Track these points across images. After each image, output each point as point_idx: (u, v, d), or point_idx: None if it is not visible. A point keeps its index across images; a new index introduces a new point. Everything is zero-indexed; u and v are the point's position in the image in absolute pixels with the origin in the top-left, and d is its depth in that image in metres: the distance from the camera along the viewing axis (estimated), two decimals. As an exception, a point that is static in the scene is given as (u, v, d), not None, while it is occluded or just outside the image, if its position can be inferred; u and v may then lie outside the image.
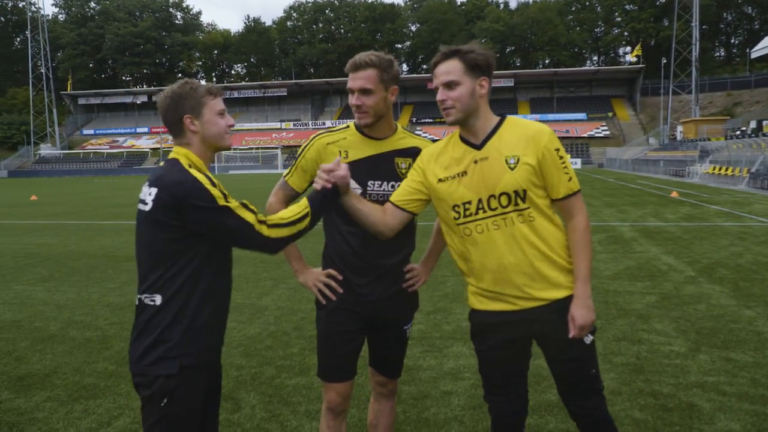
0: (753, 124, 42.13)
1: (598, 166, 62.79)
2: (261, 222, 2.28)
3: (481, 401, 4.14)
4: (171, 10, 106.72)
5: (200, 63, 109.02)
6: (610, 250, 10.29)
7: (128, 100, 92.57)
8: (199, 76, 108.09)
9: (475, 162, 2.47)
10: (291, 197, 2.84)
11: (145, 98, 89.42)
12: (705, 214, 15.80)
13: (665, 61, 64.97)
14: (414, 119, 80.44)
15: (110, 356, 5.27)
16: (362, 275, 2.75)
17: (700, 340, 5.38)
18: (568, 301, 2.47)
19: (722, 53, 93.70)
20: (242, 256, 10.21)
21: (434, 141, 2.79)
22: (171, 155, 2.34)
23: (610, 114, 78.06)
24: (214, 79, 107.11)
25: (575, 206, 2.48)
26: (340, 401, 2.81)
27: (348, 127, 2.81)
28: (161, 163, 2.32)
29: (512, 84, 79.67)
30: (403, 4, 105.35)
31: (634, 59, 72.59)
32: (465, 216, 2.48)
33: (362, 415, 3.93)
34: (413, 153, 2.76)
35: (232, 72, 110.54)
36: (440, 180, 2.52)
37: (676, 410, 3.95)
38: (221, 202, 2.18)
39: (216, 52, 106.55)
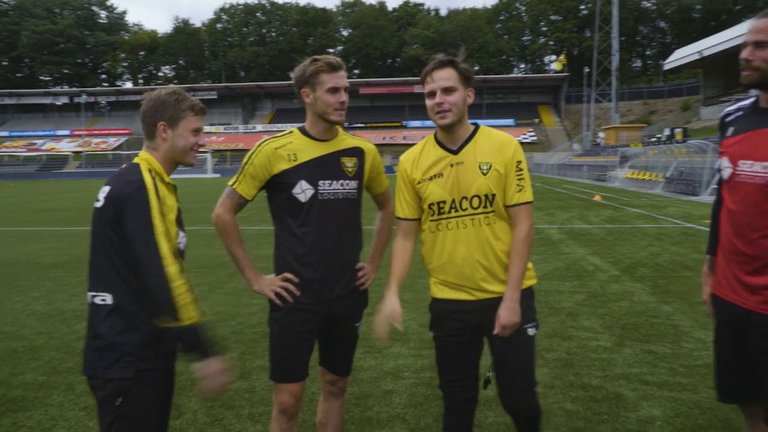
0: (667, 132, 44.48)
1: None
2: (172, 265, 2.17)
3: (423, 399, 4.26)
4: (94, 8, 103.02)
5: (126, 64, 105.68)
6: (540, 251, 10.67)
7: (47, 101, 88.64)
8: (124, 78, 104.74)
9: (451, 165, 2.66)
10: (240, 205, 2.85)
11: (66, 99, 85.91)
12: (626, 216, 16.58)
13: (587, 70, 67.68)
14: (347, 124, 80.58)
15: (38, 367, 5.09)
16: (319, 274, 2.80)
17: (624, 335, 5.69)
18: None
19: (639, 64, 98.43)
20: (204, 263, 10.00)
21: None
22: (135, 159, 2.39)
23: (537, 120, 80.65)
24: (141, 81, 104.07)
25: (521, 215, 2.66)
26: (293, 402, 2.85)
27: (292, 132, 2.87)
28: (124, 165, 2.36)
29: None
30: (335, 9, 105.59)
31: (560, 68, 75.17)
32: (439, 214, 2.68)
33: (306, 416, 3.96)
34: (357, 152, 2.91)
35: (160, 74, 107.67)
36: (418, 182, 2.71)
37: (604, 401, 4.18)
38: (151, 217, 2.16)
39: (143, 53, 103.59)
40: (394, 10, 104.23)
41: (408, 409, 4.12)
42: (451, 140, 2.70)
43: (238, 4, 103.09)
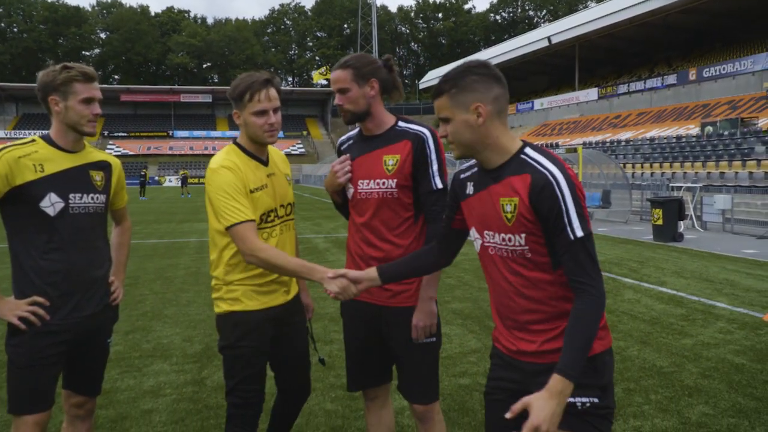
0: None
1: (295, 183, 65.78)
2: None
3: (185, 414, 4.22)
4: None
5: None
6: (307, 260, 11.00)
7: None
8: None
9: (268, 176, 2.81)
10: None
11: None
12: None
13: (351, 86, 70.95)
14: (105, 132, 74.54)
15: None
16: (71, 291, 2.66)
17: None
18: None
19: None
20: None
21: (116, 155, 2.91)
22: None
23: (305, 132, 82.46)
24: None
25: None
26: None
27: (35, 141, 2.69)
28: None
29: (210, 100, 79.18)
30: (90, 9, 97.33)
31: (323, 81, 77.81)
32: (267, 222, 2.76)
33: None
34: (104, 166, 2.86)
35: None
36: (251, 191, 2.70)
37: (360, 398, 4.53)
38: None
39: None
40: (157, 15, 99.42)
41: (169, 426, 4.05)
42: (263, 152, 2.84)
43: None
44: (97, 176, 2.79)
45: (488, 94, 2.04)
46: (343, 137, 3.00)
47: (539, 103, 57.10)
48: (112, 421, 4.13)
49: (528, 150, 2.06)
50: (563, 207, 1.94)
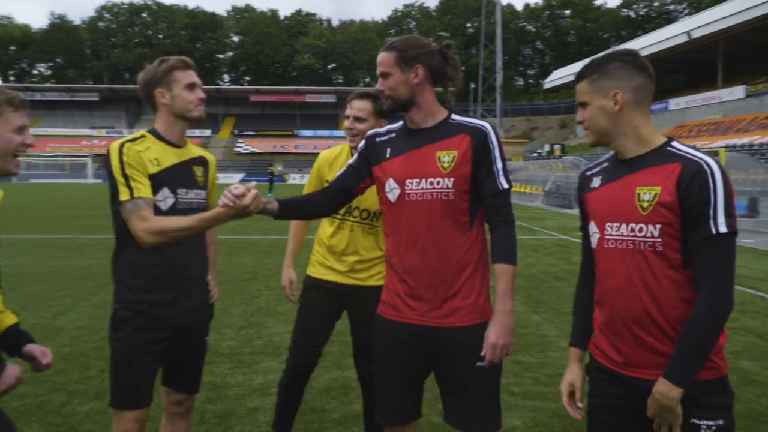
0: (547, 147, 47.01)
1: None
2: None
3: (288, 415, 4.13)
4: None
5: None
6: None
7: None
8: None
9: None
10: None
11: None
12: (506, 228, 17.20)
13: (474, 86, 70.30)
14: (236, 131, 78.84)
15: None
16: (172, 288, 2.63)
17: (494, 345, 5.83)
18: None
19: (522, 82, 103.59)
20: (35, 273, 9.28)
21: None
22: None
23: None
24: (12, 78, 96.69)
25: None
26: (138, 429, 2.64)
27: (145, 137, 2.66)
28: None
29: (334, 100, 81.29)
30: (225, 14, 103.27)
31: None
32: (339, 214, 3.23)
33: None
34: (203, 162, 2.83)
35: (35, 72, 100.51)
36: (327, 182, 3.14)
37: (469, 411, 4.24)
38: None
39: (13, 48, 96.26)
40: (286, 18, 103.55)
41: (271, 429, 3.97)
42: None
43: (123, 4, 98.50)
44: (198, 172, 2.76)
45: (629, 82, 1.99)
46: (378, 129, 2.65)
47: (674, 102, 53.47)
48: (218, 417, 4.12)
49: (675, 143, 1.98)
50: (712, 198, 1.84)
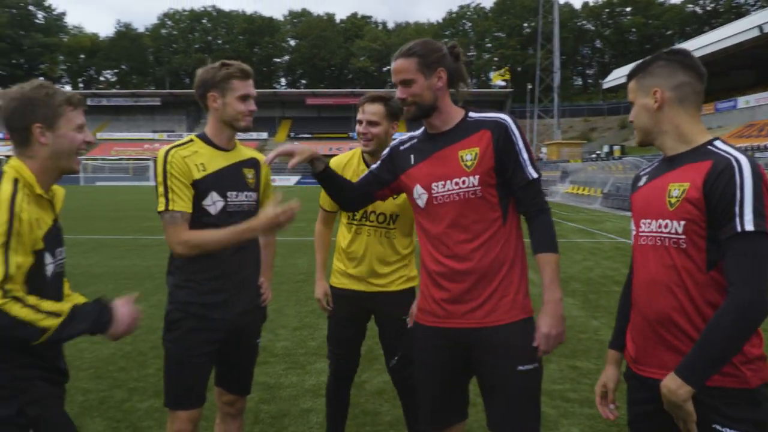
0: (606, 149, 45.87)
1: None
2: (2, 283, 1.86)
3: (341, 417, 4.13)
4: (31, 7, 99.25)
5: (65, 67, 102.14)
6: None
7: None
8: (63, 81, 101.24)
9: None
10: (189, 222, 2.59)
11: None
12: (563, 230, 16.86)
13: (530, 86, 69.28)
14: (292, 134, 79.99)
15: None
16: (225, 290, 2.66)
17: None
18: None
19: (580, 82, 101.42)
20: (99, 273, 9.62)
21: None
22: (4, 166, 2.06)
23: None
24: (81, 84, 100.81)
25: None
26: (191, 429, 2.68)
27: (192, 141, 2.71)
28: None
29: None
30: (282, 19, 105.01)
31: (502, 83, 76.65)
32: (354, 219, 3.25)
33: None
34: (254, 163, 2.84)
35: (101, 78, 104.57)
36: None
37: (524, 418, 4.14)
38: None
39: (83, 56, 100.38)
40: (342, 21, 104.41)
41: (324, 429, 3.97)
42: (374, 161, 2.80)
43: (184, 11, 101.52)
44: (249, 174, 2.78)
45: (670, 80, 1.99)
46: (402, 137, 2.62)
47: (744, 101, 51.24)
48: (272, 417, 4.16)
49: (718, 142, 1.94)
50: (738, 194, 1.77)
